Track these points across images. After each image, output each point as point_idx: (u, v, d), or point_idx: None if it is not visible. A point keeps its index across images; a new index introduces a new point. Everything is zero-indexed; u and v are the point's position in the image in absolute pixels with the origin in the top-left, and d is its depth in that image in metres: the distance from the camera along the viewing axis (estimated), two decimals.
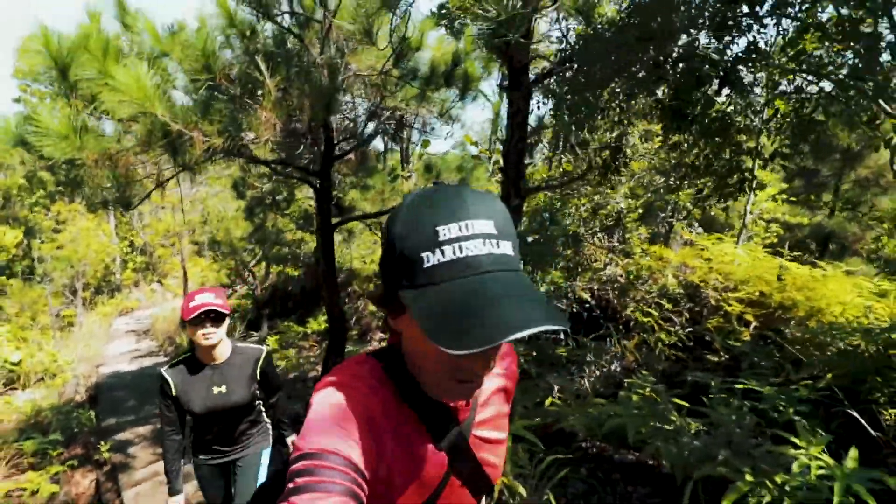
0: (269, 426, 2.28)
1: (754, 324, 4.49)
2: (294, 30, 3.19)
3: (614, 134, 4.16)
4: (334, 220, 4.32)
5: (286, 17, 3.30)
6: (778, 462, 2.01)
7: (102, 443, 4.30)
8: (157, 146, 2.62)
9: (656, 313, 5.24)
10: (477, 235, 0.53)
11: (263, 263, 9.95)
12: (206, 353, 1.99)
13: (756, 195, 6.77)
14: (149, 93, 2.35)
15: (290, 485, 0.53)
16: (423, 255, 0.53)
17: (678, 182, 5.16)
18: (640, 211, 6.00)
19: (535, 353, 4.92)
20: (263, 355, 2.11)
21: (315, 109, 2.89)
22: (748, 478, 1.94)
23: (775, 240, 7.63)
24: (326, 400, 0.62)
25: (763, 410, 2.48)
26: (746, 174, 3.46)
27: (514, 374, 0.84)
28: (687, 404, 2.69)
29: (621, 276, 6.19)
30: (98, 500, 3.57)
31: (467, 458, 0.71)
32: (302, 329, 7.51)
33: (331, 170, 3.97)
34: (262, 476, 2.25)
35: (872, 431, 2.25)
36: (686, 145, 3.77)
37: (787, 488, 1.85)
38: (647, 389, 2.98)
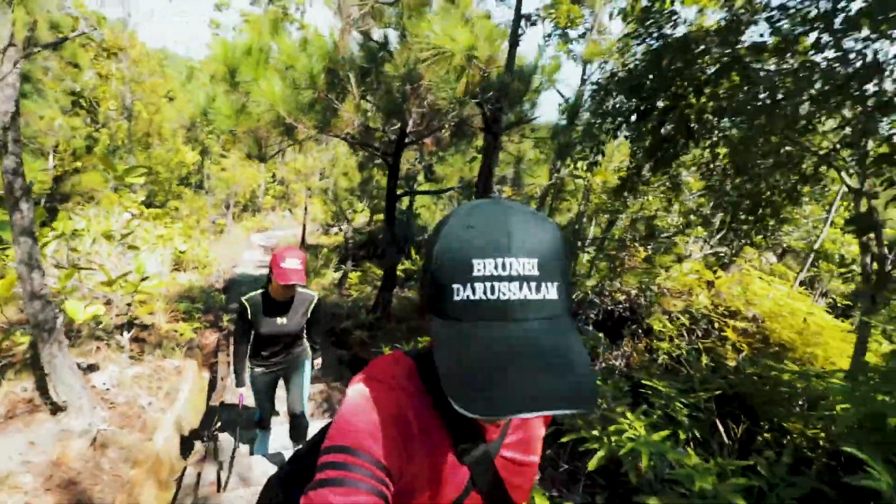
0: (307, 346, 2.81)
1: (745, 353, 4.81)
2: (378, 48, 4.30)
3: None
4: (399, 192, 5.53)
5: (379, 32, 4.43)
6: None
7: (225, 315, 6.24)
8: (278, 129, 3.99)
9: (671, 326, 5.73)
10: (514, 278, 0.49)
11: (368, 211, 11.77)
12: (279, 296, 2.45)
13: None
14: (276, 97, 3.69)
15: (321, 475, 0.54)
16: (455, 287, 0.51)
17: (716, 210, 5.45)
18: (685, 228, 6.28)
19: None
20: (315, 300, 2.61)
21: (387, 114, 4.03)
22: (594, 433, 2.77)
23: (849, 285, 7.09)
24: (361, 395, 0.62)
25: (661, 407, 3.17)
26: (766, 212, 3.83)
27: None
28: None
29: (655, 286, 6.63)
30: (216, 349, 5.42)
31: (491, 477, 0.69)
32: (380, 271, 9.09)
33: (401, 153, 5.14)
34: (307, 376, 2.83)
35: (725, 437, 2.86)
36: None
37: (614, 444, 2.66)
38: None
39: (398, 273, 6.51)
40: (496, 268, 0.49)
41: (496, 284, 0.49)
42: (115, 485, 2.53)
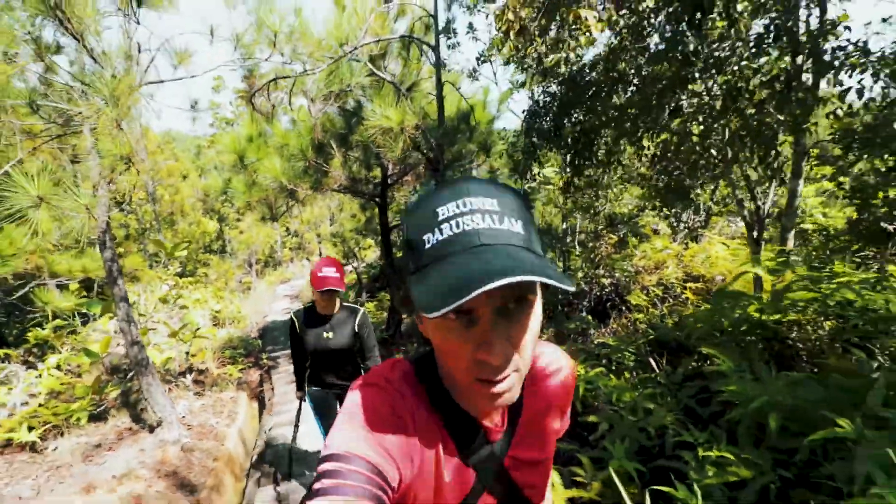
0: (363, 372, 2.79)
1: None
2: (352, 115, 5.38)
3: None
4: (392, 225, 6.54)
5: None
6: None
7: (264, 355, 7.25)
8: (282, 194, 5.05)
9: (646, 298, 6.53)
10: (476, 211, 0.51)
11: (378, 247, 12.87)
12: (322, 307, 2.54)
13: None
14: (277, 171, 4.76)
15: (317, 485, 0.53)
16: (425, 237, 0.52)
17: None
18: (639, 213, 7.10)
19: (551, 328, 6.49)
20: (361, 313, 2.62)
21: (366, 167, 5.06)
22: None
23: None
24: (358, 401, 0.62)
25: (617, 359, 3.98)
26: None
27: (569, 388, 0.77)
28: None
29: (632, 266, 7.46)
30: (260, 382, 6.40)
31: (500, 478, 0.68)
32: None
33: (387, 193, 6.16)
34: None
35: (656, 367, 3.65)
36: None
37: None
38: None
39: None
40: (458, 207, 0.51)
41: (460, 220, 0.50)
42: (204, 473, 3.47)
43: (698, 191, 4.49)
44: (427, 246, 0.52)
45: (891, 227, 3.43)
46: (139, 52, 2.85)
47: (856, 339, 3.00)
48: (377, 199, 6.19)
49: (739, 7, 2.37)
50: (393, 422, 0.60)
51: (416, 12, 4.48)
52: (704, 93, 2.75)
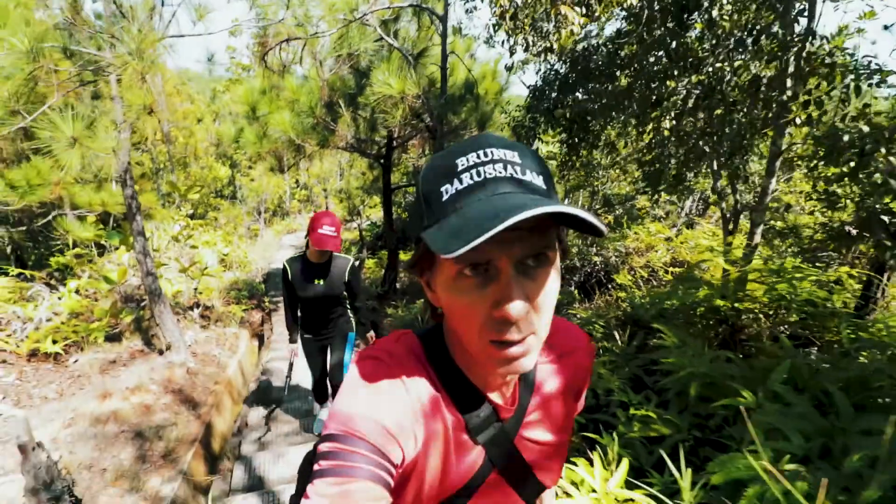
0: (352, 318, 2.98)
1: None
2: (361, 76, 5.54)
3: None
4: (394, 186, 6.79)
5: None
6: None
7: (266, 299, 7.70)
8: (291, 148, 5.30)
9: (631, 278, 6.83)
10: (497, 161, 0.48)
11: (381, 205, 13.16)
12: (315, 256, 2.61)
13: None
14: (287, 125, 4.99)
15: (317, 466, 0.53)
16: (443, 188, 0.49)
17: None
18: (634, 196, 7.29)
19: None
20: (350, 263, 2.72)
21: (370, 129, 5.28)
22: None
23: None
24: (360, 376, 0.60)
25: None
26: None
27: (586, 369, 0.74)
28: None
29: (623, 248, 7.72)
30: (261, 322, 6.86)
31: (510, 458, 0.66)
32: None
33: (391, 154, 6.38)
34: (350, 348, 3.00)
35: (619, 341, 3.99)
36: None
37: None
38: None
39: (401, 258, 7.80)
40: (478, 157, 0.48)
41: (481, 168, 0.48)
42: (206, 393, 3.92)
43: (691, 179, 4.69)
44: (445, 197, 0.49)
45: (854, 231, 3.65)
46: (162, 5, 3.07)
47: (800, 330, 3.32)
48: (382, 160, 6.42)
49: (715, 13, 2.51)
50: (394, 397, 0.58)
51: None
52: (682, 89, 2.94)
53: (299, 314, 2.87)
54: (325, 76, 4.51)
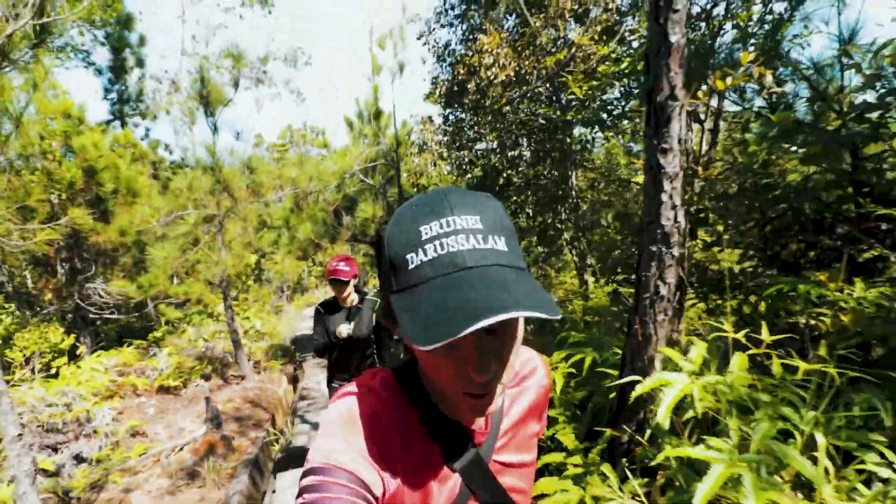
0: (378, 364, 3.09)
1: None
2: (353, 197, 8.37)
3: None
4: None
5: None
6: None
7: (297, 355, 10.17)
8: (311, 245, 8.04)
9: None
10: (459, 231, 0.51)
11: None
12: (340, 299, 2.78)
13: None
14: (309, 232, 7.74)
15: (300, 500, 0.54)
16: (408, 256, 0.52)
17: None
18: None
19: None
20: (378, 304, 2.74)
21: (360, 225, 8.02)
22: None
23: None
24: (339, 412, 0.62)
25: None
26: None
27: (546, 388, 0.79)
28: None
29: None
30: (293, 371, 9.29)
31: (487, 483, 0.68)
32: None
33: (381, 244, 9.07)
34: None
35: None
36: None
37: None
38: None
39: None
40: (441, 227, 0.51)
41: (444, 241, 0.50)
42: (269, 403, 6.30)
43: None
44: (411, 266, 0.51)
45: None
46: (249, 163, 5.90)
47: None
48: (374, 244, 9.11)
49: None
50: (374, 430, 0.60)
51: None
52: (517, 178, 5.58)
53: (332, 357, 2.97)
54: (329, 206, 7.30)
